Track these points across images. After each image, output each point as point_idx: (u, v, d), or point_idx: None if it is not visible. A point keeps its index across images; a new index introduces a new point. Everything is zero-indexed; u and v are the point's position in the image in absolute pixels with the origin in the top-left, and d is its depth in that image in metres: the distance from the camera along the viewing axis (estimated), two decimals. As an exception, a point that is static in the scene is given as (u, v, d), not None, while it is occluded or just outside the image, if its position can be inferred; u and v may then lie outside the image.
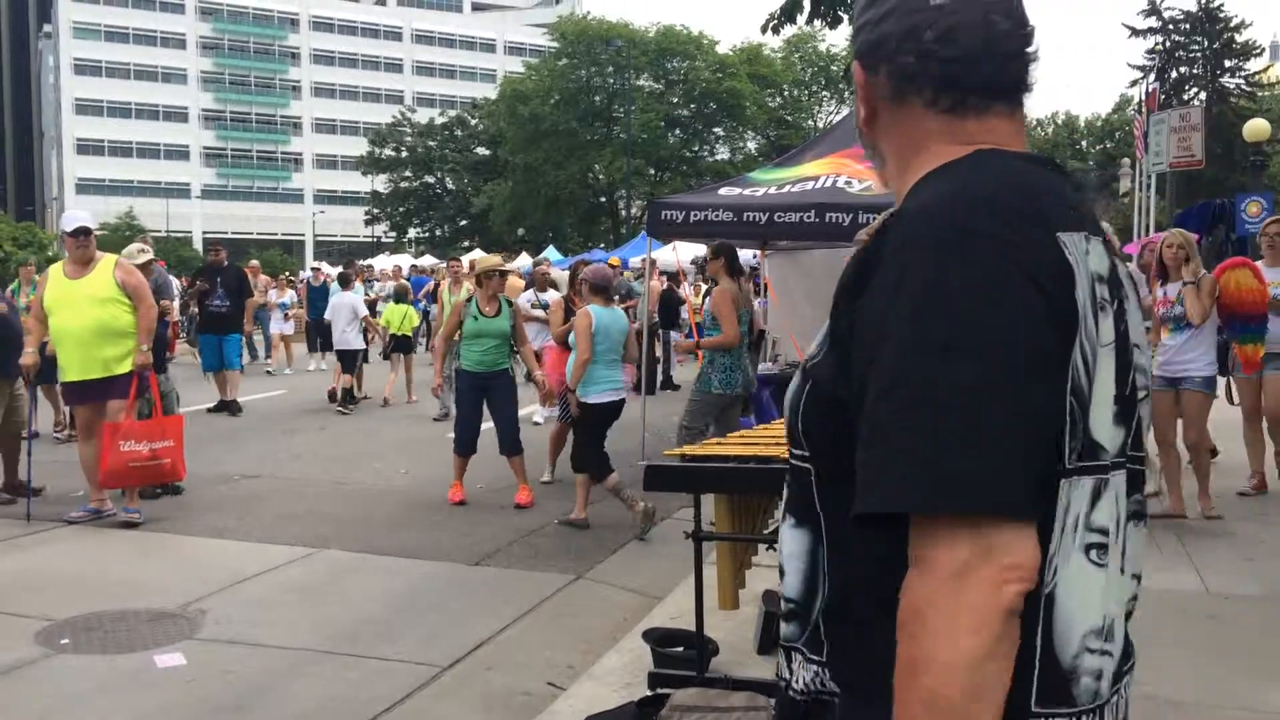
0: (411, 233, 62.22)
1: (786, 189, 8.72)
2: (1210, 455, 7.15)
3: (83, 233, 6.88)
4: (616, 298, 8.01)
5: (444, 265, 16.95)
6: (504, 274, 7.93)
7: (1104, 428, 1.11)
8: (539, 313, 10.31)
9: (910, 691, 0.99)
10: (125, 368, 6.66)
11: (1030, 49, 1.23)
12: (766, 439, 4.03)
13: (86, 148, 75.81)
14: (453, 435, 7.87)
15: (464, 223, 60.49)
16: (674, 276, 16.18)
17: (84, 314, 6.64)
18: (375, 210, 62.34)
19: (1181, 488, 6.54)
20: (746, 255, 15.41)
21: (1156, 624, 4.63)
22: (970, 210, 1.08)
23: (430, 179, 62.16)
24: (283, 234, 77.04)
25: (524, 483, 7.56)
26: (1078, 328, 1.07)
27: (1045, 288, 1.05)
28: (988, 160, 1.16)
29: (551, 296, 10.72)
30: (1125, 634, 1.20)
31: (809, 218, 8.08)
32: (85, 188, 74.18)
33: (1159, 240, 7.07)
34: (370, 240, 62.91)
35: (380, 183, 61.79)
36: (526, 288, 12.25)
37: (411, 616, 5.07)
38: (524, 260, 30.13)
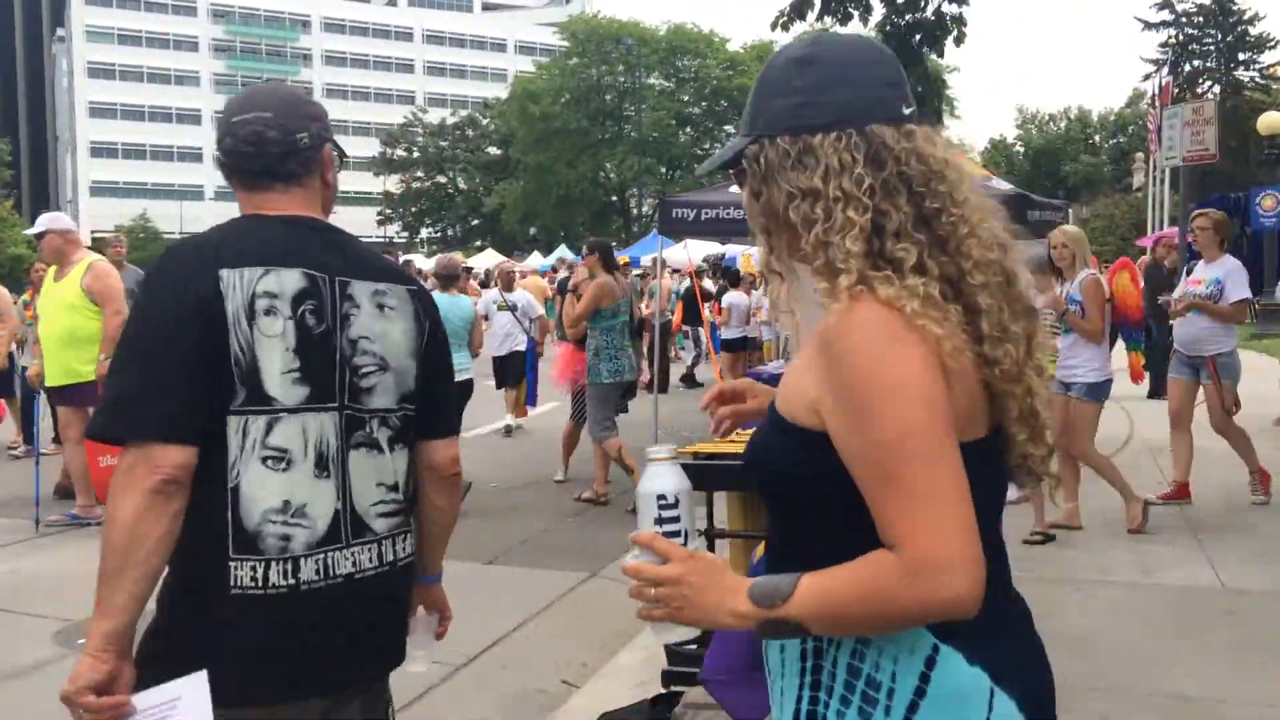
0: (424, 233, 62.40)
1: (797, 186, 8.72)
2: (1102, 464, 6.65)
3: (39, 235, 6.77)
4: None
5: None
6: (468, 271, 8.58)
7: (276, 386, 1.71)
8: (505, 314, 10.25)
9: (103, 540, 1.64)
10: (91, 375, 6.40)
11: (300, 148, 1.82)
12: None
13: (100, 151, 76.23)
14: None
15: (476, 223, 60.58)
16: (697, 274, 15.96)
17: (54, 320, 6.54)
18: (387, 211, 62.50)
19: (1076, 496, 6.18)
20: (754, 253, 15.43)
21: (1172, 619, 4.62)
22: (167, 253, 1.80)
23: (442, 179, 62.31)
24: (295, 235, 77.20)
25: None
26: (229, 326, 1.68)
27: (196, 299, 1.67)
28: (235, 222, 1.84)
29: (519, 296, 10.61)
30: (388, 519, 1.84)
31: (820, 215, 8.07)
32: (99, 190, 74.57)
33: (1173, 235, 7.02)
34: (383, 240, 63.06)
35: (392, 183, 61.94)
36: (486, 285, 12.18)
37: (426, 615, 5.09)
38: (535, 259, 30.15)
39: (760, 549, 2.27)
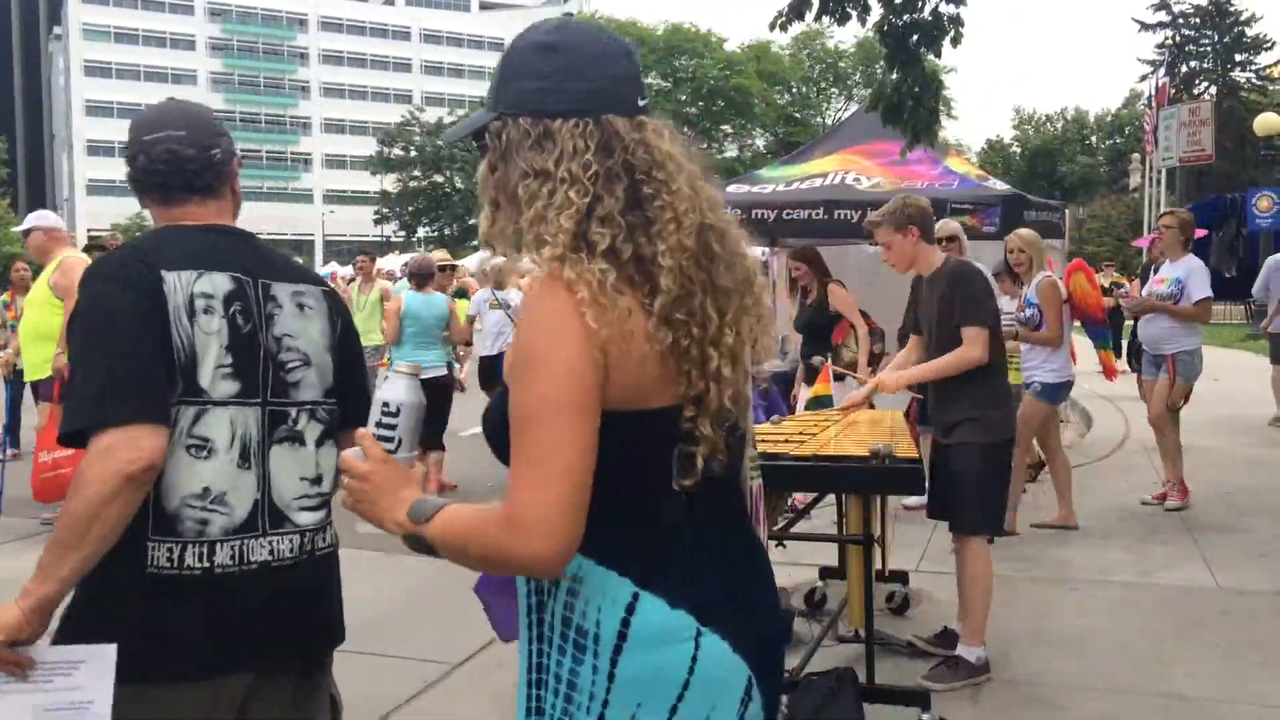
0: (421, 232, 62.35)
1: (795, 186, 8.71)
2: (1034, 470, 6.77)
3: (25, 233, 6.80)
4: None
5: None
6: (453, 269, 8.81)
7: (208, 380, 1.80)
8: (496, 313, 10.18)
9: (64, 509, 1.70)
10: (48, 371, 6.52)
11: (214, 162, 1.95)
12: (775, 436, 4.03)
13: (97, 149, 76.08)
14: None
15: (473, 222, 60.50)
16: None
17: (26, 316, 6.74)
18: (384, 210, 62.47)
19: (1070, 496, 6.15)
20: (755, 252, 15.43)
21: (1169, 619, 4.63)
22: (107, 256, 1.89)
23: (439, 178, 62.29)
24: (292, 234, 77.13)
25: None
26: (172, 322, 1.77)
27: (149, 293, 1.77)
28: (162, 232, 1.95)
29: (511, 294, 10.47)
30: (312, 509, 1.93)
31: (818, 214, 8.07)
32: (96, 189, 74.47)
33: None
34: (380, 240, 63.05)
35: (389, 182, 61.91)
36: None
37: (422, 614, 5.08)
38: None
39: None
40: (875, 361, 6.65)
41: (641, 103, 1.47)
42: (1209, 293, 6.49)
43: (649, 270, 1.39)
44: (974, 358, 3.92)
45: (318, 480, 1.95)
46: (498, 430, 1.43)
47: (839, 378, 6.56)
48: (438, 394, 7.44)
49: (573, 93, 1.42)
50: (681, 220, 1.42)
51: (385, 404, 1.50)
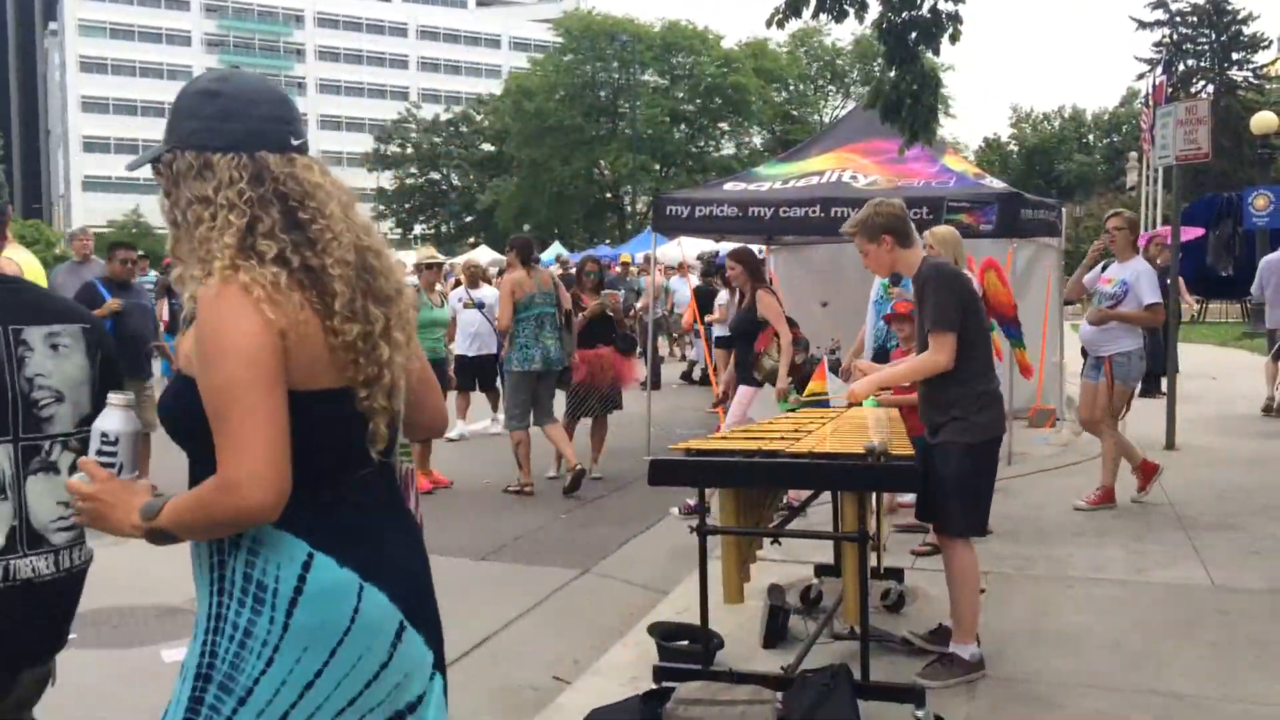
0: (417, 229, 62.21)
1: (792, 184, 8.71)
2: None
3: None
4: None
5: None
6: (439, 266, 8.83)
7: None
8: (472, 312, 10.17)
9: None
10: None
11: None
12: (771, 433, 4.03)
13: (93, 145, 75.91)
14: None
15: (469, 219, 60.51)
16: (718, 272, 15.31)
17: None
18: (381, 207, 62.32)
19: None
20: (752, 250, 15.38)
21: (1163, 618, 4.63)
22: None
23: (436, 175, 62.16)
24: (289, 231, 77.01)
25: (419, 470, 7.91)
26: None
27: None
28: None
29: (486, 293, 10.46)
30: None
31: (814, 212, 8.07)
32: (92, 185, 74.28)
33: (1165, 234, 7.01)
34: (376, 237, 62.86)
35: (385, 179, 61.75)
36: (456, 284, 11.80)
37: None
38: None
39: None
40: (796, 371, 6.72)
41: (295, 141, 1.75)
42: (1159, 298, 6.46)
43: (318, 278, 1.65)
44: (938, 362, 3.89)
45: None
46: (174, 415, 1.69)
47: (760, 383, 6.61)
48: None
49: (230, 132, 1.70)
50: (340, 239, 1.70)
51: (104, 434, 1.75)
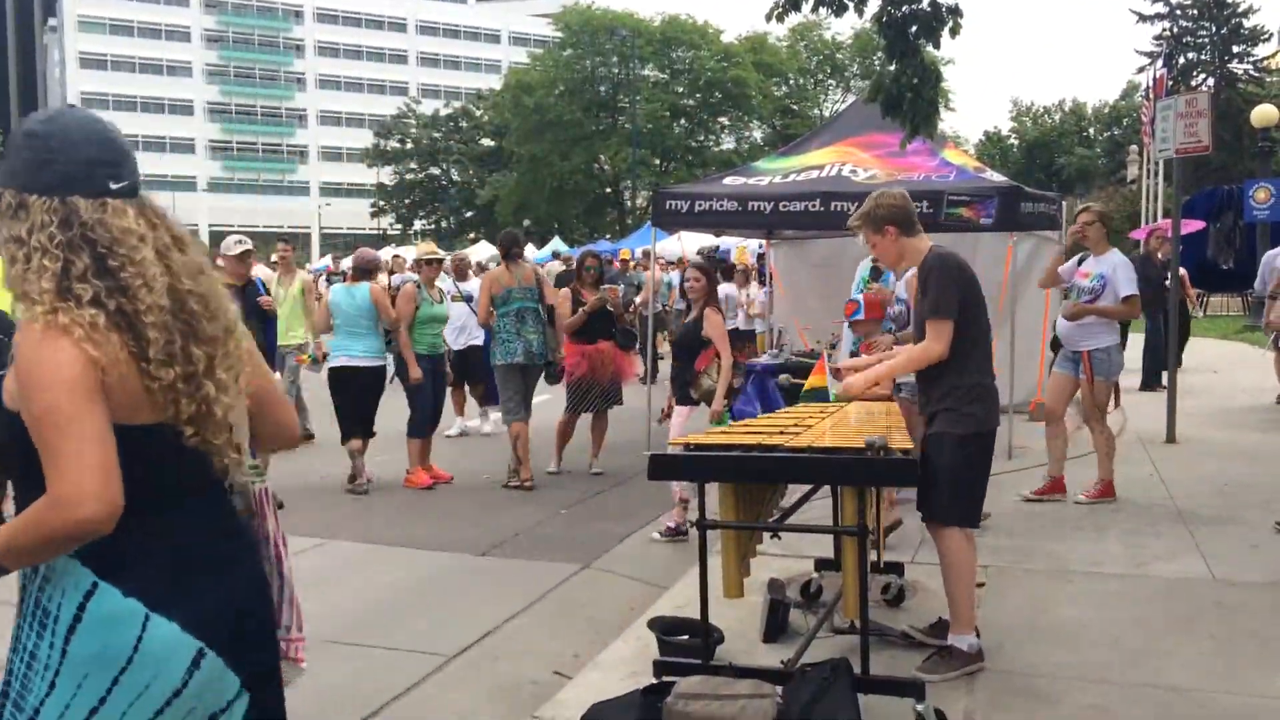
0: (417, 225, 62.21)
1: (791, 178, 8.70)
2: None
3: None
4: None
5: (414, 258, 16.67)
6: (439, 262, 8.87)
7: None
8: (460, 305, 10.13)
9: None
10: None
11: None
12: (770, 428, 4.03)
13: (93, 141, 75.81)
14: (414, 421, 8.01)
15: (469, 214, 60.47)
16: (729, 269, 15.19)
17: None
18: (381, 202, 62.30)
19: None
20: (752, 245, 15.37)
21: (1163, 611, 4.64)
22: None
23: (435, 171, 62.12)
24: (289, 227, 76.83)
25: (420, 466, 7.96)
26: None
27: None
28: None
29: (473, 286, 10.43)
30: None
31: (814, 207, 8.06)
32: (92, 181, 74.15)
33: (1166, 227, 6.98)
34: (376, 233, 62.95)
35: (386, 175, 61.73)
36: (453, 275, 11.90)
37: (418, 606, 5.09)
38: (530, 251, 30.04)
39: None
40: (733, 394, 6.65)
41: (115, 185, 1.76)
42: (1135, 290, 6.42)
43: (133, 323, 1.71)
44: (934, 352, 3.88)
45: None
46: (2, 448, 1.71)
47: (696, 402, 6.48)
48: (369, 382, 7.65)
49: (44, 175, 1.72)
50: (151, 284, 1.73)
51: None
